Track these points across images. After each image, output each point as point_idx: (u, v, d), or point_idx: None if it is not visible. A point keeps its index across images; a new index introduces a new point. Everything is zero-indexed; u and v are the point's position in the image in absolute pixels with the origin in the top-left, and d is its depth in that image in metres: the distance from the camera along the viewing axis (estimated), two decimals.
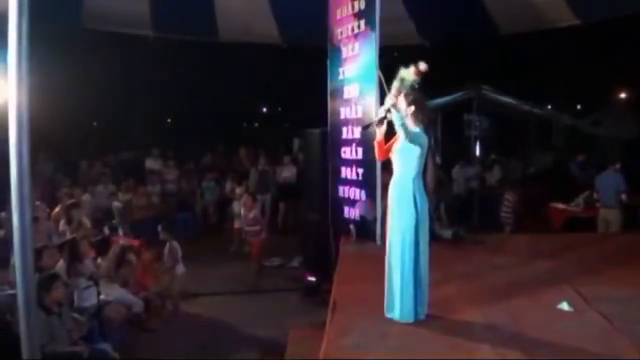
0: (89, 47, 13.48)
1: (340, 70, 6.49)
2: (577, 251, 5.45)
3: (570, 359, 2.98)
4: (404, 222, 3.44)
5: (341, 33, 6.43)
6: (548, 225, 9.19)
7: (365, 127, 3.98)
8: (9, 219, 4.83)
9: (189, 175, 11.76)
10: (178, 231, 7.98)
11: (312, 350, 3.68)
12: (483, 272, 4.70)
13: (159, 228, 6.88)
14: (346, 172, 6.39)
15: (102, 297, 5.44)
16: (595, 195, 8.26)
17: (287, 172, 11.15)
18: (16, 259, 2.41)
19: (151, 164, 11.66)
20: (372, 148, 3.79)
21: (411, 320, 3.42)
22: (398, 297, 3.44)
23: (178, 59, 16.38)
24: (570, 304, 3.72)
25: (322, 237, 6.73)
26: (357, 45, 6.09)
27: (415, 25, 8.56)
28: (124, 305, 5.57)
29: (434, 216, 5.96)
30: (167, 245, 6.74)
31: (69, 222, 7.00)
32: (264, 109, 26.19)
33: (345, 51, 6.35)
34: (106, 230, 7.07)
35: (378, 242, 5.62)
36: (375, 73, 5.58)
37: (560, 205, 9.24)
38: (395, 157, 3.59)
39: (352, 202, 6.29)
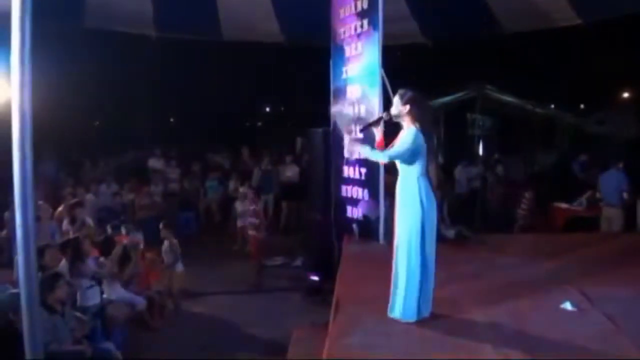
0: (91, 46, 13.47)
1: (344, 69, 6.49)
2: (581, 251, 5.42)
3: (573, 359, 2.97)
4: (410, 222, 3.43)
5: (344, 32, 6.43)
6: (551, 224, 9.16)
7: (364, 128, 3.99)
8: (12, 218, 4.85)
9: (192, 174, 11.78)
10: (180, 230, 7.98)
11: (315, 350, 3.69)
12: (486, 272, 4.68)
13: (160, 225, 6.89)
14: (349, 172, 6.39)
15: (105, 296, 5.46)
16: (597, 195, 8.25)
17: (290, 172, 11.14)
18: (19, 258, 2.41)
19: (154, 163, 11.68)
20: (375, 147, 3.77)
21: (414, 319, 3.41)
22: (402, 297, 3.44)
23: (180, 58, 16.36)
24: (573, 303, 3.71)
25: (324, 237, 6.71)
26: (360, 44, 6.09)
27: (418, 25, 8.54)
28: (126, 304, 5.58)
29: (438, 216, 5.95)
30: (167, 242, 6.75)
31: (72, 221, 7.02)
32: (267, 108, 26.15)
33: (348, 50, 6.34)
34: (109, 230, 7.08)
35: (381, 241, 5.62)
36: (378, 72, 5.60)
37: (563, 205, 9.21)
38: None
39: (355, 202, 6.28)
